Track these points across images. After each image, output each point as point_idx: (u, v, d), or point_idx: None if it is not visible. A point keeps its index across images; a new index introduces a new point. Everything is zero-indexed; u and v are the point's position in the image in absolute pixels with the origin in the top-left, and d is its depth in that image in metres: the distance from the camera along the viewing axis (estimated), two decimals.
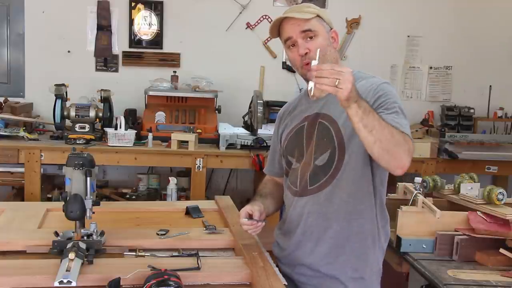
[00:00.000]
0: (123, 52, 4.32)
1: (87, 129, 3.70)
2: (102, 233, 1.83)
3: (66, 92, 3.77)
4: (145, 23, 4.32)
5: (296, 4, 4.38)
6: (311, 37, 1.79)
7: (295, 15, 1.80)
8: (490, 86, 4.56)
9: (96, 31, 4.25)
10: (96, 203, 1.80)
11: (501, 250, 2.04)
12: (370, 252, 1.85)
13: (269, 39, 4.37)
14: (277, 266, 2.00)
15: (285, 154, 1.97)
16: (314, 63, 1.55)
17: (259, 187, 2.14)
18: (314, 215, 1.85)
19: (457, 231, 2.15)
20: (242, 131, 3.86)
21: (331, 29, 1.85)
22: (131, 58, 4.33)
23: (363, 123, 1.54)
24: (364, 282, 1.86)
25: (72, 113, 3.70)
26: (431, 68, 4.63)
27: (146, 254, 1.82)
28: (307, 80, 1.76)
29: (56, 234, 1.80)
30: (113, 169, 4.28)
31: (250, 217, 1.87)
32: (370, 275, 1.88)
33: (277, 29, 1.86)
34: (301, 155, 1.88)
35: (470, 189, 2.31)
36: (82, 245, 1.70)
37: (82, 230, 1.79)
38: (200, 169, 3.61)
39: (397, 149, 1.59)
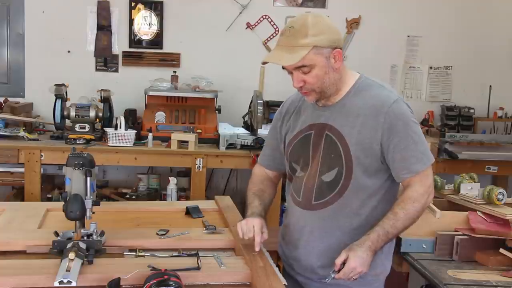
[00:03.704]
0: (123, 52, 4.32)
1: (87, 129, 3.70)
2: (102, 233, 1.83)
3: (66, 92, 3.77)
4: (145, 23, 4.32)
5: (296, 4, 4.38)
6: (306, 71, 1.71)
7: (283, 60, 1.69)
8: (490, 86, 4.56)
9: (96, 31, 4.25)
10: (96, 203, 1.80)
11: (501, 250, 2.04)
12: (375, 257, 1.80)
13: (269, 39, 4.38)
14: (281, 266, 2.01)
15: (289, 160, 1.94)
16: (332, 275, 1.70)
17: (256, 186, 2.06)
18: (318, 231, 1.84)
19: (457, 231, 2.15)
20: (242, 131, 3.86)
21: (335, 48, 1.72)
22: (131, 58, 4.33)
23: (389, 241, 1.78)
24: (369, 284, 1.86)
25: (72, 113, 3.70)
26: (431, 68, 4.63)
27: (146, 254, 1.81)
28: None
29: (56, 234, 1.80)
30: (113, 169, 4.28)
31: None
32: (376, 277, 1.88)
33: None
34: (306, 164, 1.86)
35: (470, 189, 2.31)
36: (82, 245, 1.70)
37: (82, 230, 1.79)
38: (200, 169, 3.61)
39: (420, 215, 1.80)
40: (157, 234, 1.97)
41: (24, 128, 3.71)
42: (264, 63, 1.80)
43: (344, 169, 1.78)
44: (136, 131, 3.70)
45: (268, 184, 2.07)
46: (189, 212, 2.35)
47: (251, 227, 1.84)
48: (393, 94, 1.79)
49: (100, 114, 3.78)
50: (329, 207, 1.81)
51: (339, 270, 1.69)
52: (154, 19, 4.32)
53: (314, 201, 1.83)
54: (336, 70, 1.76)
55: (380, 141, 1.74)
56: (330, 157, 1.80)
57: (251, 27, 4.39)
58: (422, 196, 1.75)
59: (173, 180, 3.62)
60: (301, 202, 1.87)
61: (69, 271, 1.53)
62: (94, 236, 1.80)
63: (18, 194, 3.71)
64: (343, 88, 1.82)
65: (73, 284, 1.50)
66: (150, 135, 3.68)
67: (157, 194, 4.02)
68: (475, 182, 2.39)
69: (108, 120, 3.81)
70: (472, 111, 4.43)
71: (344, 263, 1.68)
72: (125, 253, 1.82)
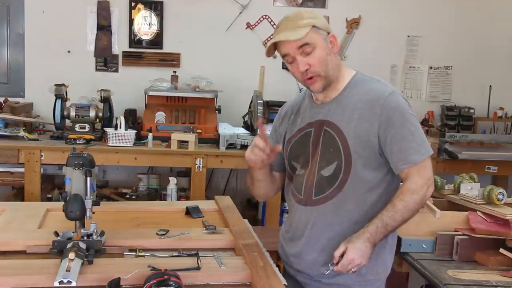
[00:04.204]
0: (123, 52, 4.32)
1: (87, 129, 3.70)
2: (102, 233, 1.83)
3: (66, 92, 3.78)
4: (145, 23, 4.32)
5: (296, 4, 4.39)
6: (309, 51, 1.73)
7: (290, 37, 1.71)
8: (490, 86, 4.56)
9: (96, 31, 4.25)
10: (96, 203, 1.80)
11: (501, 250, 2.04)
12: (377, 256, 1.81)
13: (269, 39, 4.38)
14: (281, 266, 2.01)
15: (289, 158, 1.94)
16: (330, 268, 1.72)
17: None
18: (319, 225, 1.84)
19: (457, 231, 2.15)
20: (242, 131, 3.86)
21: (329, 33, 1.77)
22: (131, 58, 4.33)
23: (388, 234, 1.77)
24: (370, 284, 1.86)
25: (72, 113, 3.70)
26: (431, 68, 4.63)
27: (146, 254, 1.81)
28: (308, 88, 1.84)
29: (56, 234, 1.80)
30: (113, 169, 4.28)
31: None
32: (377, 277, 1.87)
33: (273, 47, 1.79)
34: (306, 161, 1.87)
35: (470, 189, 2.31)
36: (82, 245, 1.70)
37: (82, 230, 1.79)
38: (200, 169, 3.61)
39: (419, 207, 1.78)
40: (157, 234, 1.97)
41: (24, 128, 3.72)
42: (269, 52, 1.80)
43: (343, 163, 1.78)
44: (136, 131, 3.70)
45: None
46: (189, 212, 2.35)
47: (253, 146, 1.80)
48: (388, 87, 1.80)
49: (100, 114, 3.78)
50: (329, 202, 1.81)
51: (337, 263, 1.69)
52: (154, 19, 4.32)
53: (314, 196, 1.84)
54: (335, 54, 1.79)
55: (377, 133, 1.75)
56: (329, 152, 1.80)
57: (251, 27, 4.39)
58: (421, 188, 1.74)
59: (173, 180, 3.63)
60: (302, 199, 1.88)
61: (69, 271, 1.53)
62: (94, 236, 1.80)
63: (18, 194, 3.71)
64: (340, 84, 1.84)
65: (73, 284, 1.50)
66: (150, 135, 3.68)
67: (157, 194, 4.02)
68: (475, 182, 2.39)
69: (108, 120, 3.81)
70: (472, 111, 4.43)
71: (343, 255, 1.69)
72: (125, 253, 1.82)
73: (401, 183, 1.83)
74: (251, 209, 4.05)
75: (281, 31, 1.75)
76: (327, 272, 1.72)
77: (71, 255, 1.58)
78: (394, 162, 1.76)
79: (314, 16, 1.76)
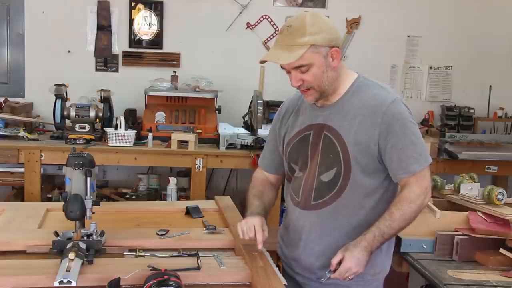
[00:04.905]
0: (123, 52, 4.32)
1: (87, 129, 3.70)
2: (102, 233, 1.83)
3: (66, 92, 3.78)
4: (145, 23, 4.32)
5: (296, 4, 4.38)
6: (304, 70, 1.71)
7: (283, 60, 1.69)
8: (490, 86, 4.56)
9: (96, 31, 4.25)
10: (96, 203, 1.80)
11: (501, 250, 2.04)
12: (375, 257, 1.80)
13: (269, 39, 4.38)
14: (281, 266, 2.01)
15: (288, 160, 1.94)
16: (327, 275, 1.72)
17: (256, 188, 2.05)
18: (317, 230, 1.84)
19: (457, 231, 2.15)
20: (242, 131, 3.86)
21: (332, 47, 1.71)
22: (131, 58, 4.33)
23: (385, 242, 1.77)
24: (368, 284, 1.86)
25: (72, 113, 3.70)
26: (431, 68, 4.63)
27: (146, 254, 1.82)
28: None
29: (56, 234, 1.80)
30: (113, 169, 4.28)
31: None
32: (375, 277, 1.88)
33: None
34: (305, 164, 1.86)
35: (470, 189, 2.31)
36: (82, 245, 1.70)
37: (82, 230, 1.79)
38: (200, 169, 3.61)
39: (416, 215, 1.78)
40: (157, 234, 1.97)
41: (24, 128, 3.71)
42: (263, 62, 1.80)
43: (342, 169, 1.78)
44: (136, 131, 3.70)
45: (268, 187, 2.06)
46: (189, 212, 2.35)
47: (251, 226, 1.84)
48: (391, 94, 1.79)
49: (100, 114, 3.78)
50: (328, 207, 1.81)
51: (335, 270, 1.70)
52: (154, 19, 4.32)
53: (313, 201, 1.83)
54: (333, 68, 1.75)
55: (377, 141, 1.74)
56: (329, 157, 1.80)
57: (251, 27, 4.39)
58: (419, 197, 1.75)
59: (173, 180, 3.62)
60: (300, 202, 1.87)
61: (69, 271, 1.53)
62: (94, 236, 1.80)
63: (18, 194, 3.71)
64: (341, 88, 1.82)
65: (73, 284, 1.50)
66: (150, 135, 3.68)
67: (157, 194, 4.02)
68: (475, 182, 2.39)
69: (108, 120, 3.81)
70: (472, 111, 4.43)
71: (340, 263, 1.70)
72: (125, 253, 1.82)
73: (399, 184, 1.83)
74: None
75: (276, 47, 1.73)
76: (324, 280, 1.74)
77: (71, 255, 1.58)
78: (393, 171, 1.77)
79: (318, 31, 1.68)
